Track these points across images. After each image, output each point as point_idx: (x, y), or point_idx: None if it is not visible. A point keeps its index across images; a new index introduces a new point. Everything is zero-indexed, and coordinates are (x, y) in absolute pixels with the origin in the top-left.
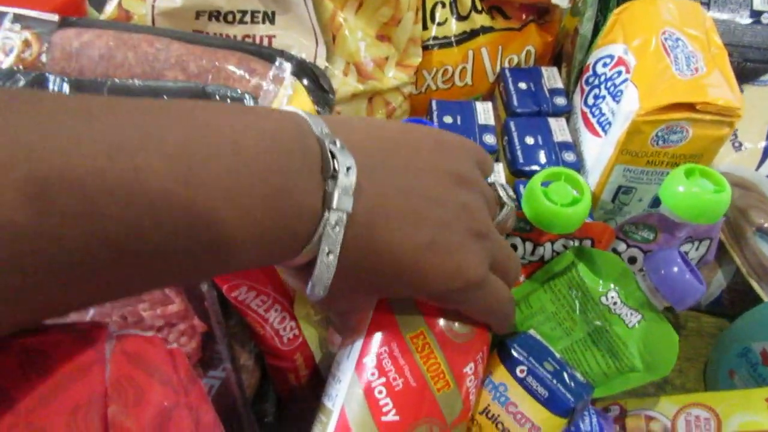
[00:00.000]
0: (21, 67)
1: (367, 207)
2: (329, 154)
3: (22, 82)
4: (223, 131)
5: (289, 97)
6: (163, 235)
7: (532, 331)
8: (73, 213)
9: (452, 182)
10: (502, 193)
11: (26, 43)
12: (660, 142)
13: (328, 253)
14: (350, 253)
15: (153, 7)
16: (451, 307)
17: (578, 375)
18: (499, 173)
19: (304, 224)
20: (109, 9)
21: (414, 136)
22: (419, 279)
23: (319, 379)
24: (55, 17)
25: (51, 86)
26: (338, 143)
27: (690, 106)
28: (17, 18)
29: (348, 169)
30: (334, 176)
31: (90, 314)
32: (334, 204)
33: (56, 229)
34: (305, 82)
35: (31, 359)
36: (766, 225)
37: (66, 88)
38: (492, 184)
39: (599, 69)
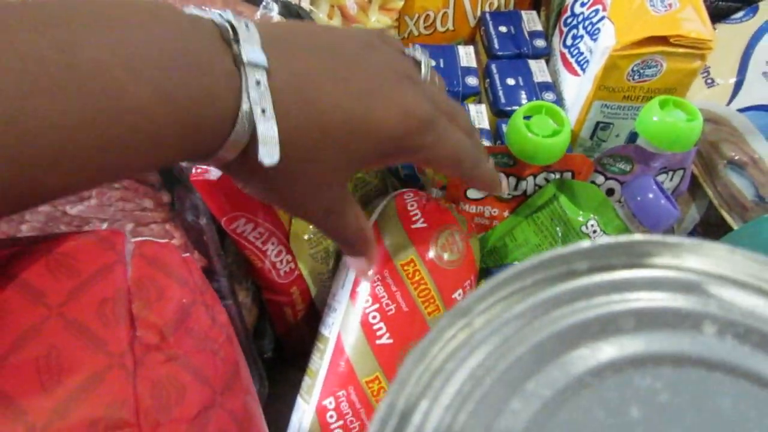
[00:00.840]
0: None
1: (289, 68)
2: (227, 24)
3: None
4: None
5: None
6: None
7: (517, 263)
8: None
9: (366, 45)
10: (416, 53)
11: None
12: (636, 77)
13: (262, 111)
14: (291, 116)
15: None
16: (420, 159)
17: None
18: (481, 113)
19: (224, 91)
20: None
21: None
22: (374, 129)
23: (315, 315)
24: None
25: None
26: (233, 16)
27: (664, 40)
28: None
29: (247, 25)
30: (236, 39)
31: None
32: (244, 57)
33: None
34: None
35: (57, 260)
36: (736, 158)
37: None
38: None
39: (577, 9)
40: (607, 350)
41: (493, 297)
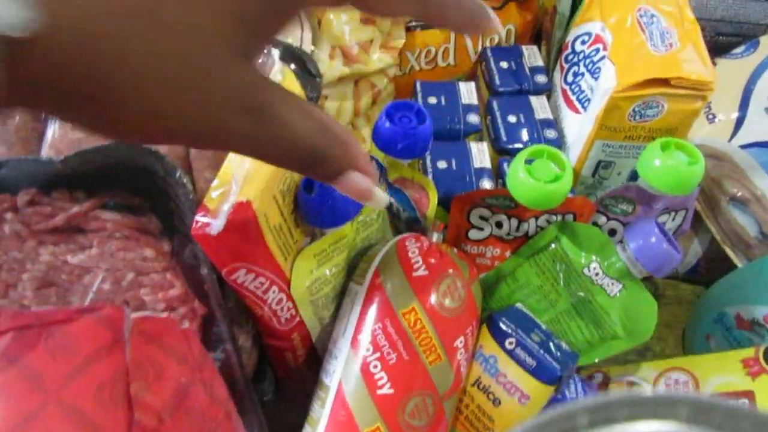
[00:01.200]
0: None
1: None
2: None
3: None
4: None
5: (279, 82)
6: None
7: (519, 305)
8: None
9: None
10: None
11: None
12: (637, 117)
13: None
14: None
15: None
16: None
17: (564, 344)
18: (483, 152)
19: None
20: None
21: None
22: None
23: (316, 358)
24: None
25: None
26: None
27: (665, 82)
28: None
29: None
30: None
31: (88, 300)
32: None
33: None
34: (292, 66)
35: (56, 341)
36: (739, 194)
37: None
38: None
39: (578, 47)
40: None
41: None
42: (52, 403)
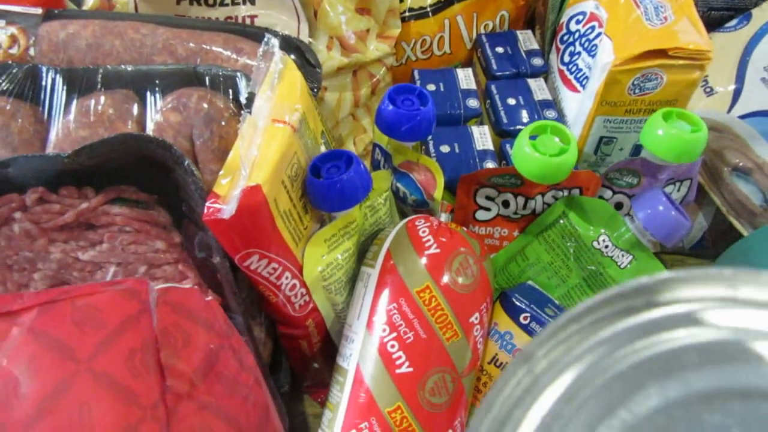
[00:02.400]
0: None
1: None
2: None
3: (16, 73)
4: None
5: (281, 71)
6: None
7: (530, 282)
8: None
9: None
10: None
11: (12, 39)
12: (636, 91)
13: None
14: None
15: None
16: None
17: None
18: (485, 135)
19: None
20: None
21: None
22: None
23: (331, 347)
24: (39, 10)
25: (44, 77)
26: None
27: (663, 53)
28: (1, 14)
29: None
30: None
31: None
32: None
33: None
34: (292, 57)
35: (83, 313)
36: (741, 164)
37: (59, 78)
38: None
39: (572, 26)
40: (674, 388)
41: (553, 340)
42: (83, 371)
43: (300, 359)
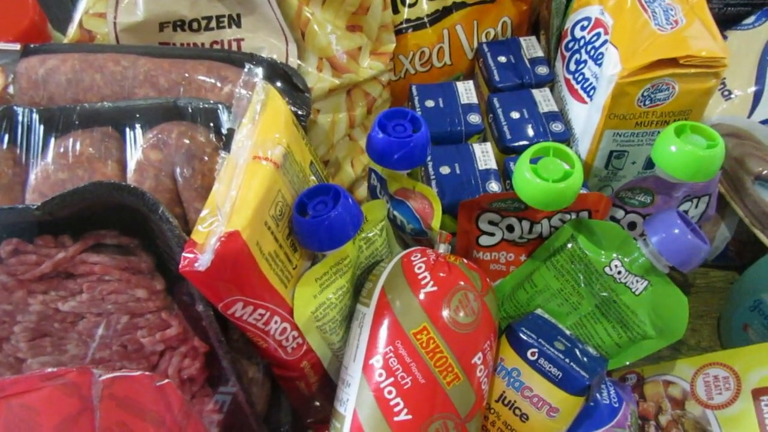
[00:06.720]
0: None
1: None
2: None
3: None
4: None
5: (263, 102)
6: None
7: (539, 311)
8: None
9: None
10: None
11: None
12: (647, 102)
13: None
14: None
15: (115, 24)
16: None
17: (591, 350)
18: (487, 153)
19: None
20: (71, 31)
21: None
22: None
23: (330, 384)
24: (17, 46)
25: (20, 118)
26: None
27: (673, 62)
28: None
29: None
30: None
31: (92, 348)
32: None
33: None
34: (278, 84)
35: (17, 416)
36: (764, 172)
37: (35, 118)
38: None
39: (577, 33)
40: None
41: None
42: None
43: (299, 399)
